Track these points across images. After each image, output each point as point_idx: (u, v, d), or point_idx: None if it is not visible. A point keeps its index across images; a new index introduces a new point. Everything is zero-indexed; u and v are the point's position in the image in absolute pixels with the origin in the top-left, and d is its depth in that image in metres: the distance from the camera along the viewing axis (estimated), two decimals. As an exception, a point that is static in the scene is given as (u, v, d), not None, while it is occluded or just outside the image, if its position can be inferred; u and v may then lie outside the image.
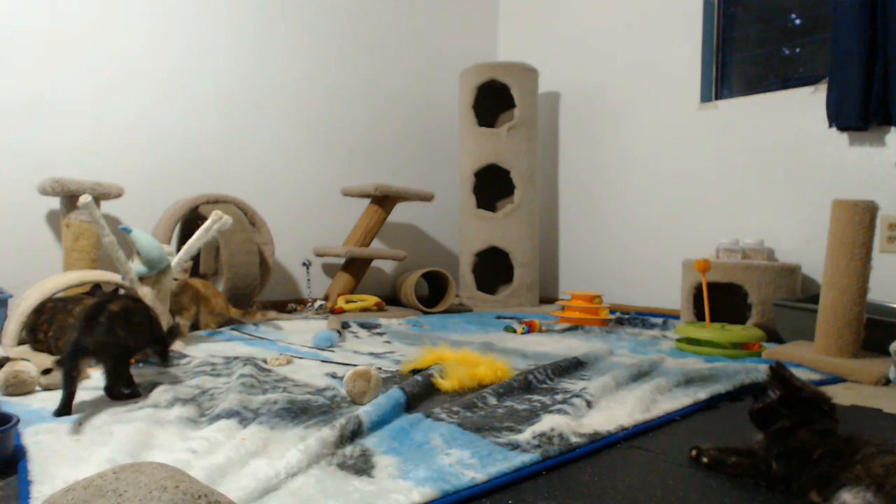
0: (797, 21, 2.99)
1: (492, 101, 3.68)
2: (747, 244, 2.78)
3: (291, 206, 3.29)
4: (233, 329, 2.39)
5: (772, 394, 0.97)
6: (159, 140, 2.84)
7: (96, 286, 1.87)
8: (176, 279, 2.15)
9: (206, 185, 2.96)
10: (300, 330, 2.43)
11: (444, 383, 1.48)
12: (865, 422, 1.35)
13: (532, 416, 1.26)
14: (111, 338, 1.23)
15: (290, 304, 3.14)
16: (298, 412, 1.25)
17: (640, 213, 3.43)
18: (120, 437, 1.05)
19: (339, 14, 3.46)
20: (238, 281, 2.59)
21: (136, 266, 1.91)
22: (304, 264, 3.13)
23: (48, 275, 2.34)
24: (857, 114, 2.47)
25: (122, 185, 2.51)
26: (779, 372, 0.98)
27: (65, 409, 1.20)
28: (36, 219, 2.53)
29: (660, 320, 2.83)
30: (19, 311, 1.88)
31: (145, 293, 1.78)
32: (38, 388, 1.41)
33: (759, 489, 0.93)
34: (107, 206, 2.68)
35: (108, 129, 2.70)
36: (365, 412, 1.16)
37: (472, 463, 0.98)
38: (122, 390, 1.23)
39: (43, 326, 1.81)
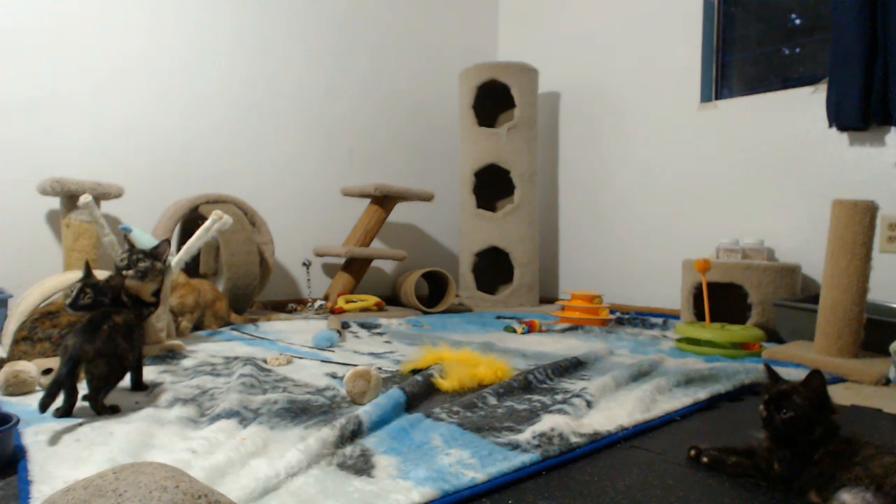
0: (797, 21, 2.99)
1: (492, 101, 3.68)
2: (747, 244, 2.77)
3: (291, 206, 3.29)
4: (233, 329, 2.39)
5: (799, 400, 0.89)
6: (159, 140, 2.85)
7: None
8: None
9: (206, 185, 2.96)
10: (300, 330, 2.43)
11: (444, 383, 1.48)
12: (865, 422, 1.35)
13: (532, 416, 1.26)
14: (111, 346, 1.23)
15: (290, 304, 3.14)
16: (298, 412, 1.25)
17: (640, 213, 3.43)
18: (120, 437, 1.05)
19: (339, 14, 3.46)
20: (238, 281, 2.59)
21: (136, 266, 1.90)
22: (304, 264, 3.13)
23: (48, 275, 2.34)
24: (856, 114, 2.47)
25: (122, 185, 2.51)
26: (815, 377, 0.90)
27: (66, 413, 1.20)
28: (36, 219, 2.53)
29: (660, 320, 2.83)
30: (19, 311, 1.87)
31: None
32: (38, 387, 1.41)
33: (759, 489, 0.93)
34: (107, 206, 2.68)
35: (108, 129, 2.70)
36: (365, 412, 1.16)
37: (472, 463, 0.98)
38: (104, 403, 1.22)
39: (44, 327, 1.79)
